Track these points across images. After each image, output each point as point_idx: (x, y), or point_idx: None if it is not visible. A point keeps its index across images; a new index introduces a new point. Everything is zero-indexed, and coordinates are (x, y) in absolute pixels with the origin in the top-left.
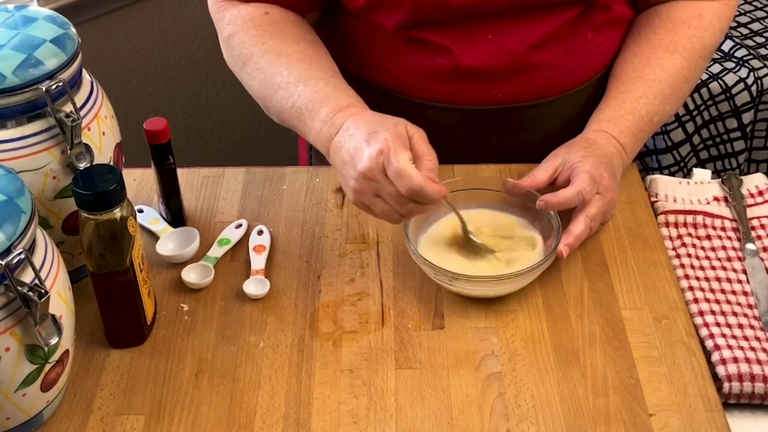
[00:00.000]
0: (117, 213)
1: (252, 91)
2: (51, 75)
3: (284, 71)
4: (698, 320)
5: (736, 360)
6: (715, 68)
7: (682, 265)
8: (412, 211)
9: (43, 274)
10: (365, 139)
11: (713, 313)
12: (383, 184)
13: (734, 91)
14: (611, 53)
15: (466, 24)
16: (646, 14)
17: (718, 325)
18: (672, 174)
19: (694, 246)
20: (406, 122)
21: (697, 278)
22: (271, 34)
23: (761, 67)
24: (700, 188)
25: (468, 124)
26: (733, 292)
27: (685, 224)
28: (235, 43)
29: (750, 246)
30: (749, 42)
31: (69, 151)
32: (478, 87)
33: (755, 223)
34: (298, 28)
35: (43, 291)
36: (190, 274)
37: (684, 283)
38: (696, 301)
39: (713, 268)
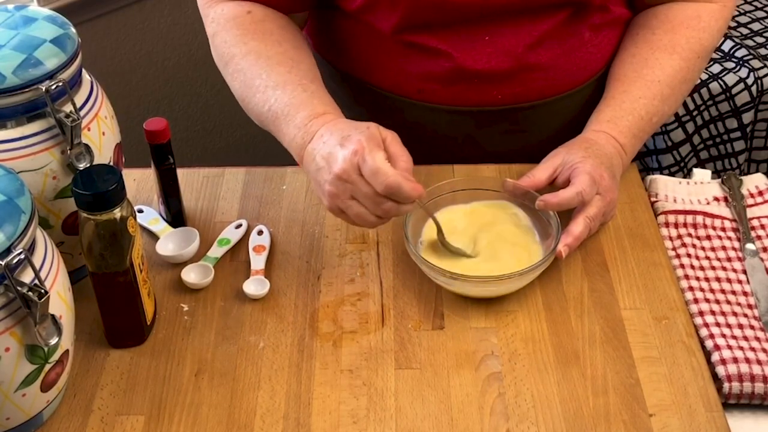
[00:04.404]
0: (117, 213)
1: (234, 91)
2: (51, 75)
3: (263, 74)
4: (698, 320)
5: (736, 360)
6: (715, 68)
7: (682, 265)
8: (388, 212)
9: (43, 274)
10: (339, 143)
11: (713, 313)
12: (359, 185)
13: (734, 91)
14: (609, 53)
15: (463, 26)
16: (643, 15)
17: (718, 325)
18: (672, 174)
19: (694, 246)
20: (378, 125)
21: (697, 278)
22: (252, 34)
23: (761, 67)
24: (700, 188)
25: (467, 126)
26: (733, 292)
27: (685, 224)
28: (218, 43)
29: (750, 246)
30: (749, 42)
31: (69, 151)
32: (478, 88)
33: (755, 223)
34: (281, 28)
35: (43, 291)
36: (190, 274)
37: (684, 283)
38: (696, 301)
39: (713, 268)
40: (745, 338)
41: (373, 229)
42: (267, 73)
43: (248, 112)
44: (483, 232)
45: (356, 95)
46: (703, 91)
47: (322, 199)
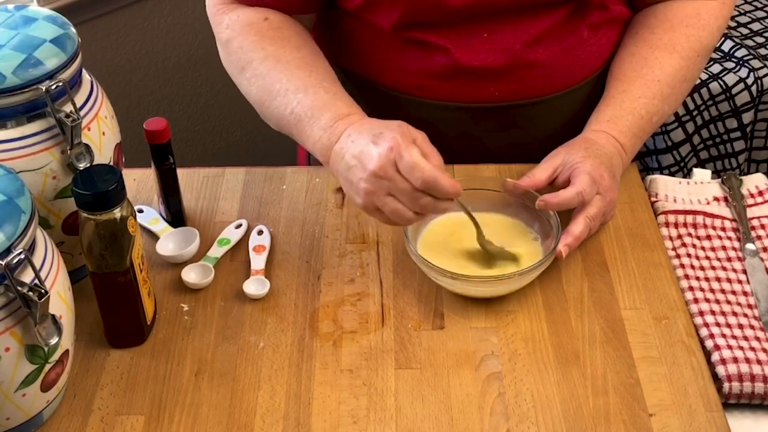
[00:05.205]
0: (117, 213)
1: (249, 96)
2: (51, 75)
3: (283, 78)
4: (698, 320)
5: (736, 360)
6: (715, 68)
7: (682, 265)
8: (425, 207)
9: (43, 274)
10: (371, 140)
11: (713, 313)
12: (396, 181)
13: (734, 91)
14: (608, 52)
15: (461, 23)
16: (643, 14)
17: (718, 325)
18: (672, 174)
19: (694, 246)
20: (407, 124)
21: (697, 278)
22: (270, 40)
23: (761, 67)
24: (700, 188)
25: (467, 122)
26: (733, 292)
27: (685, 224)
28: (234, 48)
29: (750, 246)
30: (749, 42)
31: (69, 151)
32: (476, 85)
33: (755, 223)
34: (297, 34)
35: (43, 291)
36: (190, 274)
37: (684, 283)
38: (696, 301)
39: (713, 268)
40: (745, 338)
41: (370, 231)
42: (287, 78)
43: (266, 117)
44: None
45: (357, 92)
46: (703, 91)
47: (354, 197)
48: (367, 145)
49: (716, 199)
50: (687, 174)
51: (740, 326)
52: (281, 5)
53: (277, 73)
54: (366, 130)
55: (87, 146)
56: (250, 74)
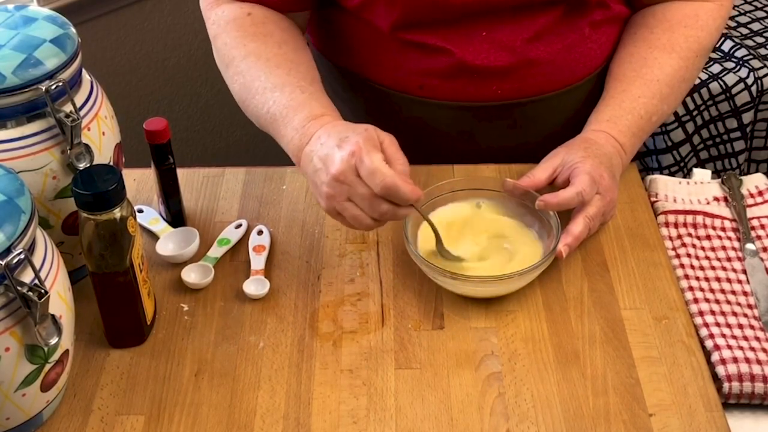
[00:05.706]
0: (117, 213)
1: (234, 93)
2: (51, 75)
3: (262, 76)
4: (698, 320)
5: (736, 360)
6: (715, 68)
7: (682, 265)
8: (384, 214)
9: (43, 274)
10: (336, 144)
11: (713, 313)
12: (356, 186)
13: (734, 91)
14: (609, 50)
15: (460, 22)
16: (641, 14)
17: (718, 325)
18: (672, 174)
19: (694, 246)
20: (376, 127)
21: (697, 278)
22: (252, 37)
23: (761, 67)
24: (700, 188)
25: (468, 121)
26: (733, 292)
27: (685, 224)
28: (219, 45)
29: (750, 246)
30: (749, 42)
31: (69, 151)
32: (477, 84)
33: (755, 223)
34: (281, 30)
35: (43, 291)
36: (190, 274)
37: (684, 283)
38: (696, 301)
39: (713, 268)
40: (745, 338)
41: (369, 231)
42: (266, 75)
43: (248, 115)
44: (482, 233)
45: (357, 92)
46: (703, 91)
47: (319, 200)
48: (332, 149)
49: (716, 199)
50: (687, 174)
51: (740, 326)
52: (271, 2)
53: (257, 70)
54: (335, 133)
55: (87, 146)
56: (232, 71)
